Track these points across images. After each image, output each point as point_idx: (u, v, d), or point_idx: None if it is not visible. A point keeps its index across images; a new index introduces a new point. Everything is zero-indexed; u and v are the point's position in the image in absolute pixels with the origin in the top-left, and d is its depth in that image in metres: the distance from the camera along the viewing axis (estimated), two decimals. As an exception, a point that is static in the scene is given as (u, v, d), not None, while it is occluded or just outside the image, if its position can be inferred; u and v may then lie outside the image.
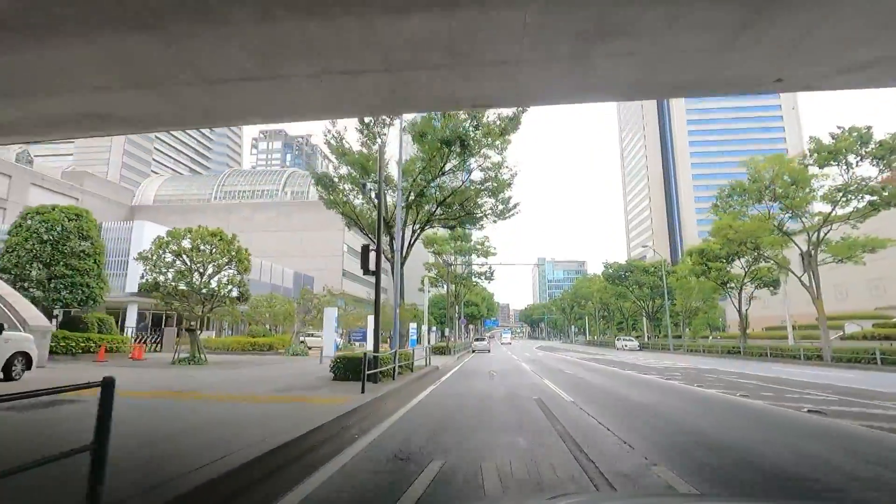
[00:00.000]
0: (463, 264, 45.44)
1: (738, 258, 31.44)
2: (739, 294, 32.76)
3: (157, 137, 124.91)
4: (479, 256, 45.11)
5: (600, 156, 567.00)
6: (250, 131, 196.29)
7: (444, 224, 23.19)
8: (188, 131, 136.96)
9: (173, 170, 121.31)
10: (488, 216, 20.74)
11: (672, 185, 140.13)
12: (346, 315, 47.96)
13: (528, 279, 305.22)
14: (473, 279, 45.37)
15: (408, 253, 21.81)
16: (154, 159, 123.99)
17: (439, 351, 32.17)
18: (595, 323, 75.69)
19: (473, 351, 43.15)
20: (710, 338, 56.42)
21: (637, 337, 56.42)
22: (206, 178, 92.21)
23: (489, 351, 43.29)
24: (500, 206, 20.52)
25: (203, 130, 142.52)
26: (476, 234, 45.47)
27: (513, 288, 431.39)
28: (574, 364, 26.11)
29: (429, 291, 46.86)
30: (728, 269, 32.76)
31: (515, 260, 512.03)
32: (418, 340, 41.35)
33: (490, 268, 45.08)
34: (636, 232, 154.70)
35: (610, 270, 50.80)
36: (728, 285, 33.86)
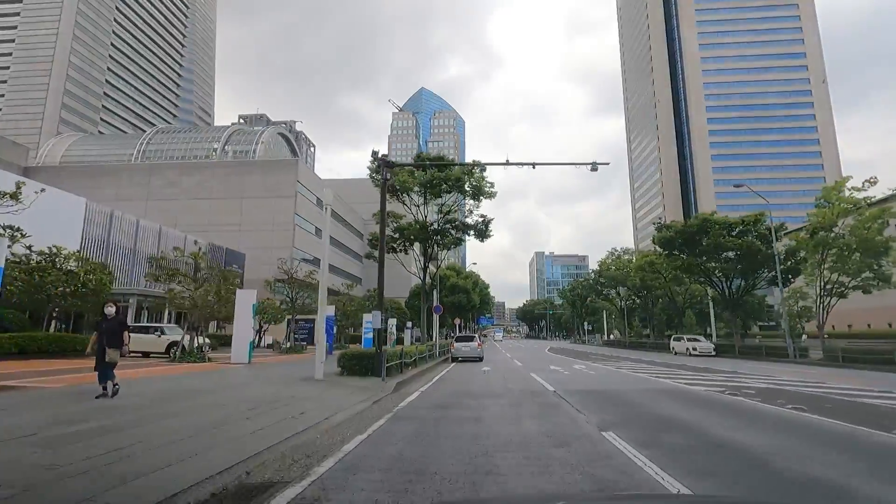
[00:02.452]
0: (439, 208, 25.95)
1: None
2: None
3: (104, 107, 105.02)
4: (467, 199, 25.70)
5: (604, 151, 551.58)
6: (223, 114, 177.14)
7: None
8: (151, 110, 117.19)
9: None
10: None
11: (688, 168, 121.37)
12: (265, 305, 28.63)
13: (525, 276, 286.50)
14: (454, 233, 25.87)
15: None
16: (100, 131, 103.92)
17: (354, 366, 12.87)
18: (621, 318, 56.29)
19: (455, 359, 23.84)
20: (805, 337, 37.25)
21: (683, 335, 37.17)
22: (130, 136, 73.30)
23: (481, 359, 23.99)
24: None
25: (169, 102, 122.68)
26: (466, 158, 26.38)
27: (508, 283, 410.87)
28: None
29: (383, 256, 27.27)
30: None
31: (507, 268, 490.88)
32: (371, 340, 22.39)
33: (484, 218, 25.58)
34: (645, 221, 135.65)
35: (670, 233, 31.53)
36: None
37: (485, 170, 24.58)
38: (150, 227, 36.98)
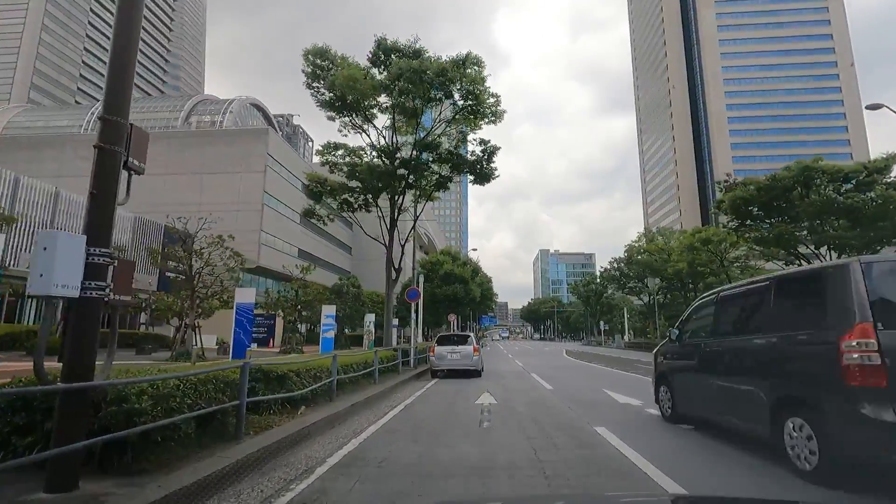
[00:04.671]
0: (415, 141, 16.21)
1: None
2: None
3: (79, 90, 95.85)
4: (459, 118, 15.94)
5: (611, 151, 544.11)
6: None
7: None
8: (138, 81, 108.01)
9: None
10: None
11: (706, 159, 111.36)
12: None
13: (528, 278, 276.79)
14: (436, 168, 16.05)
15: None
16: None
17: None
18: (649, 315, 46.29)
19: (435, 374, 14.16)
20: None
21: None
22: (83, 106, 64.22)
23: (479, 373, 14.28)
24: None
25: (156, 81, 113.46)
26: (452, 46, 16.06)
27: (511, 284, 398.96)
28: None
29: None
30: None
31: (503, 253, 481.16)
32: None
33: (485, 145, 15.79)
34: (656, 217, 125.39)
35: (747, 193, 21.45)
36: None
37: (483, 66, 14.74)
38: (42, 188, 27.44)
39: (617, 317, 61.89)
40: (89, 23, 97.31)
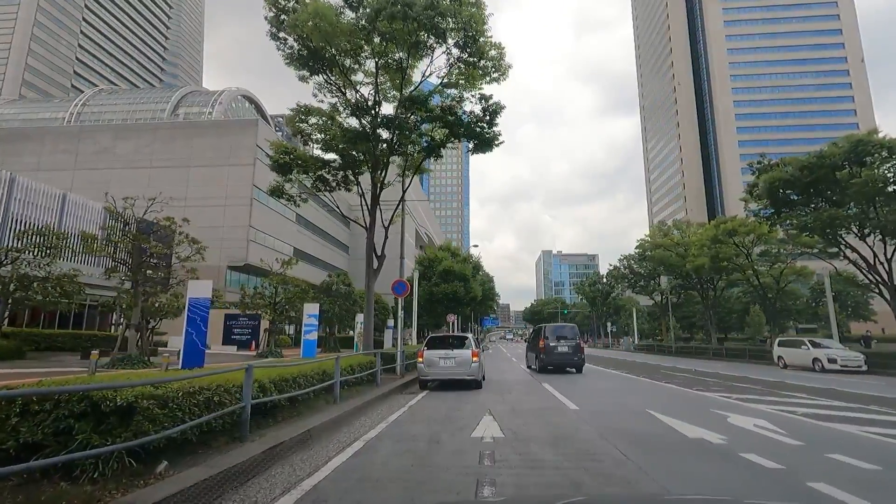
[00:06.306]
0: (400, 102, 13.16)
1: None
2: None
3: (73, 86, 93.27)
4: (454, 69, 12.94)
5: (614, 152, 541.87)
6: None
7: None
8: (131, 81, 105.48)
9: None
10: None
11: (712, 158, 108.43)
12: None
13: (530, 279, 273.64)
14: (426, 128, 13.06)
15: None
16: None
17: None
18: (662, 315, 43.11)
19: (424, 384, 11.15)
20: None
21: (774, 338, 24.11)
22: (67, 99, 61.49)
23: (480, 383, 11.31)
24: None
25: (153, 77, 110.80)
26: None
27: (513, 286, 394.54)
28: None
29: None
30: None
31: (500, 253, 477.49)
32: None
33: (487, 101, 12.81)
34: (661, 216, 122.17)
35: (786, 174, 18.15)
36: None
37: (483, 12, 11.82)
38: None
39: (624, 318, 58.82)
40: (84, 19, 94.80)
